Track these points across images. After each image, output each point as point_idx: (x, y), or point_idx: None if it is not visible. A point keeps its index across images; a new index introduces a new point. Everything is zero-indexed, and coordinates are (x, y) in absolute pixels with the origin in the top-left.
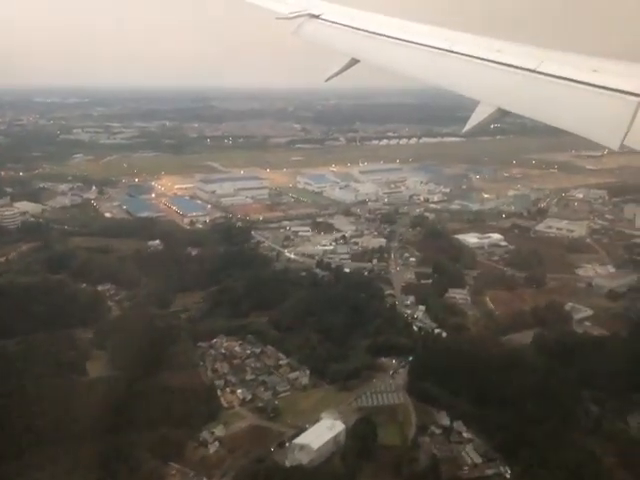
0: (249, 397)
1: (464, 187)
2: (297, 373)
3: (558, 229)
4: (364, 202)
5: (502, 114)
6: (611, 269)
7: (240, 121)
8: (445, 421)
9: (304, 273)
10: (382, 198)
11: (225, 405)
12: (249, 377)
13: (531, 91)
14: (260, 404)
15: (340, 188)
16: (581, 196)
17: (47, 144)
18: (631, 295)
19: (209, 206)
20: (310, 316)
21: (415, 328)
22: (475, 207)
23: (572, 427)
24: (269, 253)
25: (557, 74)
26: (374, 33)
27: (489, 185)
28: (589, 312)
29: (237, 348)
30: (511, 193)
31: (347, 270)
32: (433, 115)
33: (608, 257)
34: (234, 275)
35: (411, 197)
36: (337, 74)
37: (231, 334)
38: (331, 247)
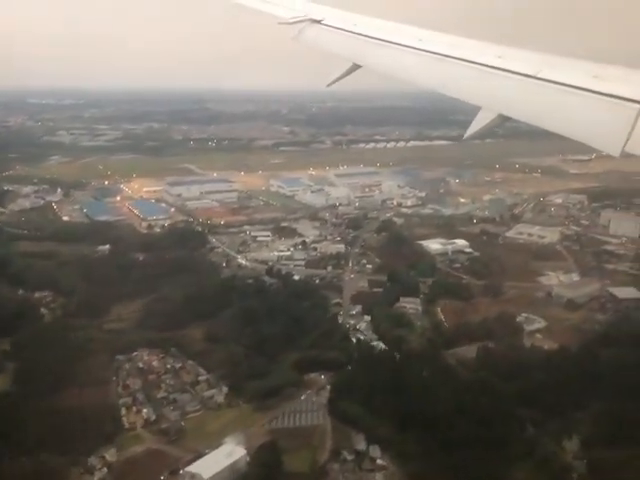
0: (154, 417)
1: (441, 191)
2: (214, 391)
3: (529, 235)
4: (334, 206)
5: (503, 120)
6: (575, 277)
7: (231, 123)
8: (361, 445)
9: (251, 281)
10: (353, 202)
11: (126, 426)
12: (161, 395)
13: (532, 97)
14: (164, 425)
15: (312, 192)
16: (559, 201)
17: (27, 146)
18: (590, 305)
19: (172, 209)
20: (246, 327)
21: (354, 341)
22: (448, 212)
23: (501, 453)
24: (221, 259)
25: (558, 80)
26: (375, 38)
27: (468, 189)
28: (542, 324)
29: (156, 362)
30: (487, 197)
31: (297, 277)
32: (427, 118)
33: (575, 265)
34: (177, 282)
35: (384, 201)
36: (338, 79)
37: (155, 346)
38: (288, 253)
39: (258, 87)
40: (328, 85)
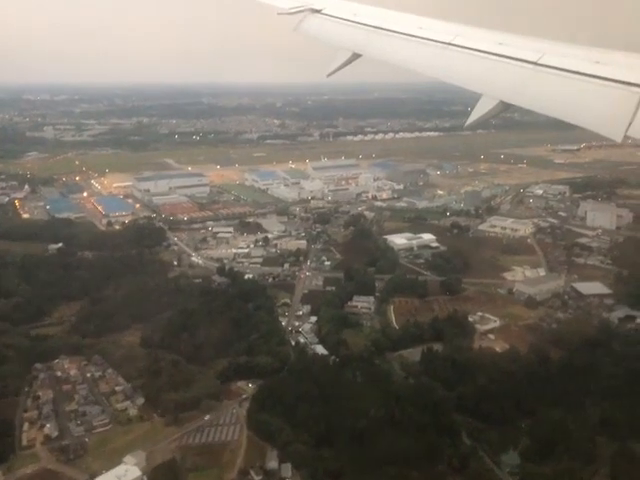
0: (56, 434)
1: (421, 184)
2: (128, 403)
3: (502, 228)
4: (306, 200)
5: (504, 107)
6: (542, 273)
7: (222, 117)
8: (273, 463)
9: (199, 280)
10: (327, 196)
11: (25, 443)
12: (71, 407)
13: (533, 84)
14: (65, 442)
15: (285, 185)
16: (540, 192)
17: (9, 142)
18: (552, 303)
19: (138, 205)
20: (182, 332)
21: (293, 344)
22: (422, 205)
23: (430, 469)
24: (174, 257)
25: (559, 66)
26: (376, 27)
27: (449, 181)
28: (497, 323)
29: (75, 371)
30: (467, 190)
31: (250, 276)
32: (421, 110)
33: (544, 259)
34: (121, 283)
35: (359, 195)
36: (339, 69)
37: (79, 353)
38: (246, 250)
39: (255, 81)
40: (328, 75)
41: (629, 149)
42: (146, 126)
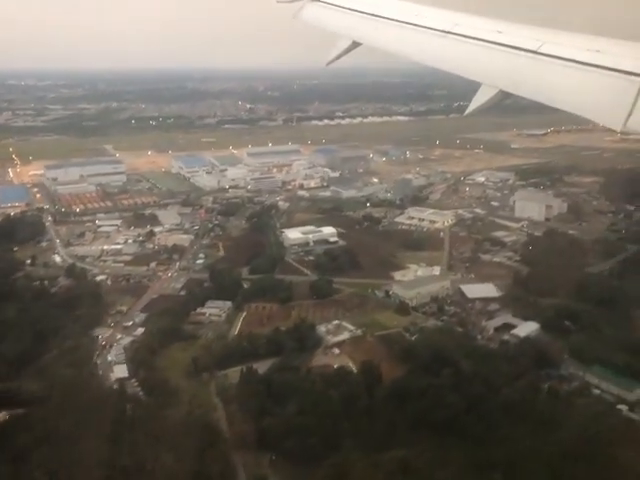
0: None
1: (360, 171)
2: None
3: (419, 220)
4: (224, 189)
5: (504, 96)
6: (436, 271)
7: (196, 101)
8: None
9: (37, 283)
10: (248, 184)
11: None
12: None
13: (533, 73)
14: None
15: (207, 173)
16: (482, 179)
17: None
18: (427, 308)
19: (39, 196)
20: None
21: (95, 364)
22: (348, 194)
23: None
24: (36, 254)
25: (559, 55)
26: (375, 15)
27: (390, 168)
28: (352, 334)
29: None
30: (404, 177)
31: (102, 278)
32: (405, 94)
33: (448, 255)
34: None
35: (285, 183)
36: (338, 57)
37: None
38: (120, 246)
39: (247, 65)
40: (328, 64)
41: (599, 134)
42: (111, 111)
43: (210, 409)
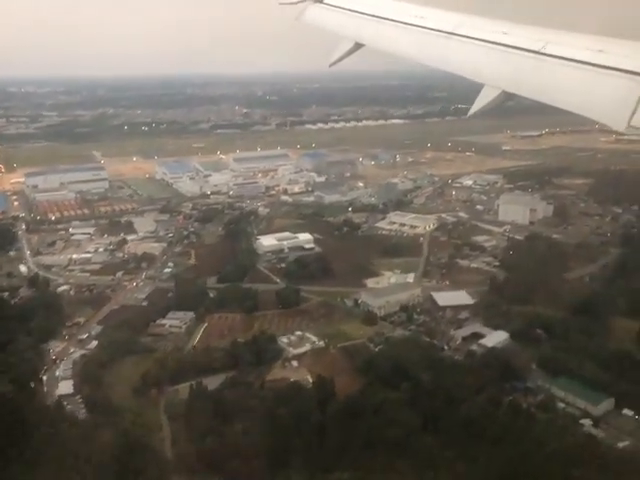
0: None
1: (347, 175)
2: None
3: (401, 225)
4: (205, 195)
5: (507, 97)
6: (410, 279)
7: (193, 107)
8: None
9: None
10: (231, 190)
11: None
12: None
13: (536, 73)
14: None
15: (190, 179)
16: (470, 183)
17: None
18: (395, 317)
19: (17, 203)
20: None
21: (41, 379)
22: (332, 199)
23: None
24: (3, 264)
25: (563, 55)
26: (378, 17)
27: (378, 172)
28: (313, 346)
29: None
30: (390, 181)
31: (65, 288)
32: (403, 97)
33: (423, 261)
34: None
35: (268, 188)
36: (341, 59)
37: None
38: (89, 255)
39: (249, 70)
40: (330, 65)
41: (594, 135)
42: (106, 118)
43: (154, 429)
